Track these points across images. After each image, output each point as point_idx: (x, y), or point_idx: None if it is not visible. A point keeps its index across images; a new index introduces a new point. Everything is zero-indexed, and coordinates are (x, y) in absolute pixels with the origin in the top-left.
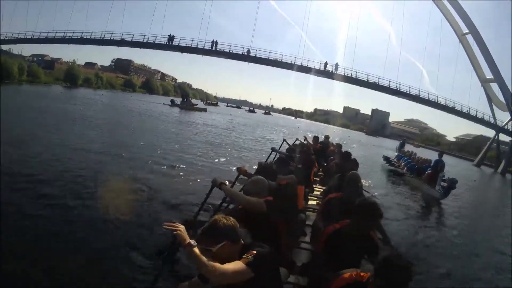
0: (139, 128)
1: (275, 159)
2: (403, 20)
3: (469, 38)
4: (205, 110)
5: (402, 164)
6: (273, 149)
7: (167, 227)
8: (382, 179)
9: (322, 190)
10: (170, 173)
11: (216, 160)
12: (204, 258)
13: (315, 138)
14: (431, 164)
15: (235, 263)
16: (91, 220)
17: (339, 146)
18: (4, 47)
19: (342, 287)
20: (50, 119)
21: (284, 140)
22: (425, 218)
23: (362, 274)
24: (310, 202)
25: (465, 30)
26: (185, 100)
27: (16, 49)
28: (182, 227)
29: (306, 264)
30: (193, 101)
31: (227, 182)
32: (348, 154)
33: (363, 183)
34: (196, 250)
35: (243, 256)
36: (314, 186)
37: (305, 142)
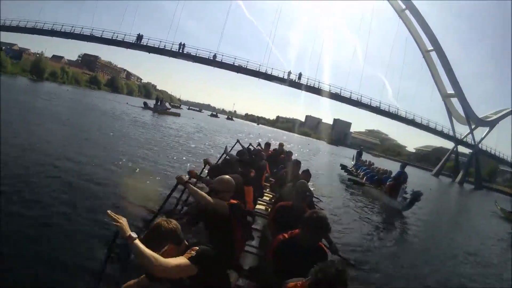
0: (109, 128)
1: (223, 159)
2: (369, 34)
3: (433, 54)
4: (178, 114)
5: (361, 174)
6: (225, 150)
7: (110, 215)
8: (340, 188)
9: (271, 196)
10: (136, 172)
11: (177, 164)
12: (147, 250)
13: (267, 144)
14: (392, 175)
15: (178, 258)
16: (45, 215)
17: (289, 153)
18: None
19: None
20: (19, 112)
21: (238, 141)
22: (388, 229)
23: (306, 283)
24: (258, 206)
25: (430, 47)
26: (159, 103)
27: None
28: (124, 219)
29: (254, 268)
30: (167, 105)
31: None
32: (298, 162)
33: (314, 191)
34: (138, 242)
35: (186, 252)
36: (264, 191)
37: (258, 147)
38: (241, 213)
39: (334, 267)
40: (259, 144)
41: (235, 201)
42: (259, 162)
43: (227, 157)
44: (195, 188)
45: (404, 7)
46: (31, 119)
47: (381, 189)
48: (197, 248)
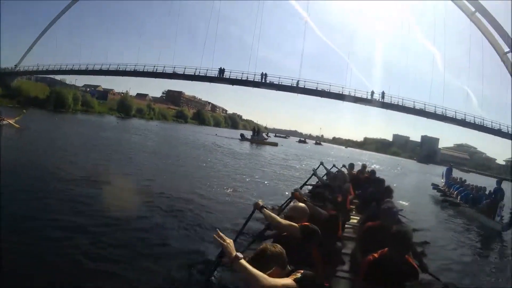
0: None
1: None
2: (445, 39)
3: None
4: (276, 144)
5: (455, 193)
6: (314, 173)
7: (216, 237)
8: (433, 209)
9: (357, 218)
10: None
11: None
12: (253, 269)
13: (351, 165)
14: (487, 192)
15: (285, 279)
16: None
17: (372, 173)
18: (58, 77)
19: None
20: (120, 149)
21: (321, 163)
22: (486, 251)
23: None
24: (346, 230)
25: (506, 49)
26: (256, 134)
27: (69, 79)
28: (230, 240)
29: None
30: (264, 135)
31: (269, 206)
32: (381, 180)
33: (401, 208)
34: (244, 262)
35: (292, 274)
36: (350, 214)
37: (342, 169)
38: (313, 233)
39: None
40: (343, 166)
41: (307, 223)
42: (342, 185)
43: (317, 179)
44: (269, 212)
45: (473, 9)
46: (138, 156)
47: (477, 209)
48: (302, 271)
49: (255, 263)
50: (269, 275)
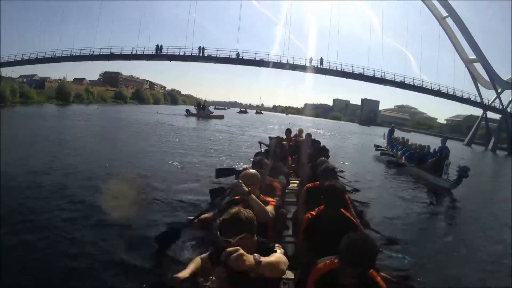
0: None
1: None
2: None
3: (449, 21)
4: (222, 117)
5: (399, 153)
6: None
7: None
8: (378, 170)
9: (297, 182)
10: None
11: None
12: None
13: (288, 130)
14: (431, 151)
15: (278, 253)
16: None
17: (308, 135)
18: None
19: (318, 278)
20: (67, 137)
21: (260, 142)
22: (437, 208)
23: (335, 260)
24: (287, 194)
25: (445, 14)
26: (202, 108)
27: (4, 71)
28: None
29: (291, 257)
30: (211, 109)
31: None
32: (317, 142)
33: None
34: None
35: (276, 249)
36: (289, 179)
37: (277, 137)
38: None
39: (362, 238)
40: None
41: (274, 201)
42: (280, 151)
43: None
44: (258, 201)
45: None
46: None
47: (422, 168)
48: (279, 245)
49: (227, 225)
50: (239, 241)
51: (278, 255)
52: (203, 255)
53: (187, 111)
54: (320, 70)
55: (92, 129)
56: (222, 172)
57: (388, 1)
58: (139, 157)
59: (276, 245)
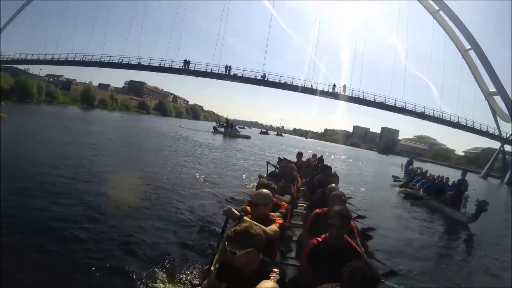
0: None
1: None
2: (407, 33)
3: (472, 53)
4: (248, 137)
5: (418, 185)
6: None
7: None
8: (394, 201)
9: (305, 205)
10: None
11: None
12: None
13: (299, 154)
14: (450, 183)
15: (271, 282)
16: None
17: (320, 160)
18: (21, 67)
19: None
20: (93, 140)
21: (268, 162)
22: (453, 242)
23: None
24: (294, 217)
25: (467, 46)
26: (230, 127)
27: (32, 69)
28: (229, 207)
29: (293, 279)
30: (237, 128)
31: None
32: (327, 167)
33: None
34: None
35: (272, 275)
36: (297, 202)
37: (285, 159)
38: (284, 228)
39: (364, 267)
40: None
41: (280, 220)
42: (288, 173)
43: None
44: (253, 222)
45: (437, 8)
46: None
47: (440, 200)
48: (277, 270)
49: (237, 238)
50: (244, 255)
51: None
52: (211, 277)
53: (215, 128)
54: (342, 97)
55: (120, 136)
56: None
57: (413, 30)
58: (168, 169)
59: (275, 270)
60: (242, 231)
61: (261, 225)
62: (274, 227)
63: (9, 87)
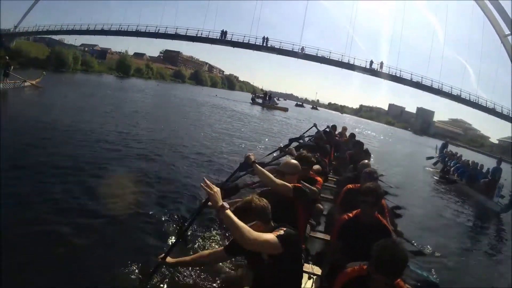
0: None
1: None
2: (446, 14)
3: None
4: (286, 109)
5: (452, 168)
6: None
7: (203, 185)
8: (427, 183)
9: (334, 179)
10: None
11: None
12: (239, 221)
13: (333, 127)
14: (484, 171)
15: (268, 234)
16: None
17: (352, 135)
18: (56, 37)
19: (345, 282)
20: (141, 110)
21: (315, 125)
22: (481, 233)
23: (364, 267)
24: (323, 191)
25: (507, 31)
26: (268, 98)
27: (67, 39)
28: (217, 189)
29: (320, 253)
30: (275, 100)
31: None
32: (360, 143)
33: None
34: (229, 212)
35: (275, 230)
36: (328, 176)
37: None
38: (305, 196)
39: (394, 246)
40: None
41: (299, 185)
42: (323, 147)
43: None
44: (262, 169)
45: None
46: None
47: (473, 187)
48: (285, 228)
49: (238, 214)
50: (251, 228)
51: (250, 229)
52: (218, 249)
53: (253, 99)
54: (379, 73)
55: (160, 105)
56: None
57: (452, 12)
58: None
59: (282, 229)
60: (243, 206)
61: (271, 176)
62: (315, 189)
63: (45, 57)
